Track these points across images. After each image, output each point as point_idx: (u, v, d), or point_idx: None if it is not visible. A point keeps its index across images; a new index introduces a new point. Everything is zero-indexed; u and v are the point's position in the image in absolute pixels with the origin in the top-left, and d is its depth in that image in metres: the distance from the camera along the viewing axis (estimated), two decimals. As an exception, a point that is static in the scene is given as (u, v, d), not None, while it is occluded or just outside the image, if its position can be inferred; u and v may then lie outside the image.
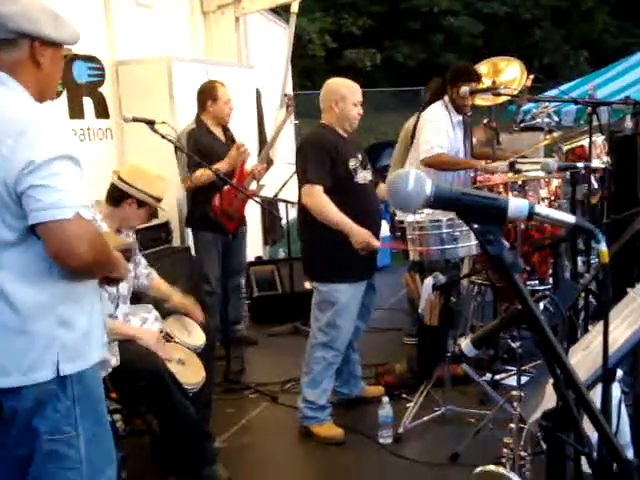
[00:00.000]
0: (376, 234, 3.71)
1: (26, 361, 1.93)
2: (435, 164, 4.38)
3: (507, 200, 1.25)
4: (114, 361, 3.15)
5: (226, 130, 5.11)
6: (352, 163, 3.71)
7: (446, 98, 4.52)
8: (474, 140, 4.81)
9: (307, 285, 5.74)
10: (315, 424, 3.85)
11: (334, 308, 3.74)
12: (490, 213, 1.24)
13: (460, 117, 4.55)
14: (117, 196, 3.27)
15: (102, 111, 5.63)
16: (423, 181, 1.23)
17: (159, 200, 3.34)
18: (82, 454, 2.03)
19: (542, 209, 1.25)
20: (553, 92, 6.80)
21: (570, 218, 1.26)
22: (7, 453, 2.00)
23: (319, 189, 3.60)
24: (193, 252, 5.39)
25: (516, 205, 1.25)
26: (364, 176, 3.78)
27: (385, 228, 6.85)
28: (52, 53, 2.04)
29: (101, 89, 5.63)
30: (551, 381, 1.41)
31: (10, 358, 1.92)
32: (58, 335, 1.96)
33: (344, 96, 3.75)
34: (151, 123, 4.00)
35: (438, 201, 1.24)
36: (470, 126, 4.73)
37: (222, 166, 4.67)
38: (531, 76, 4.10)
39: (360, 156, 3.80)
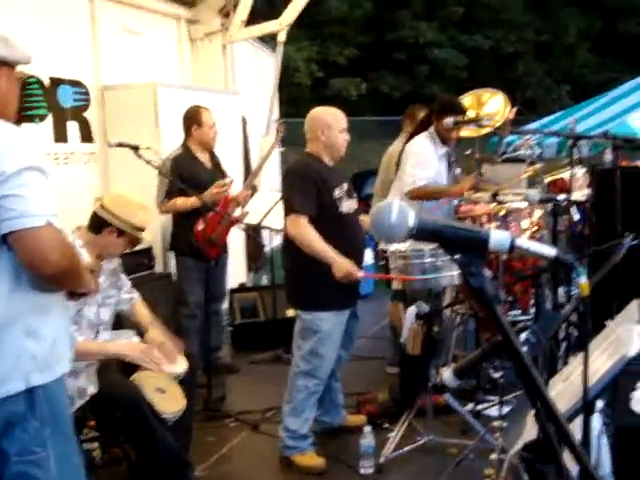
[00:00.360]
0: (359, 263, 3.72)
1: None
2: (420, 196, 4.41)
3: (489, 232, 1.26)
4: (92, 389, 3.13)
5: (212, 156, 5.12)
6: (337, 192, 3.73)
7: (432, 129, 4.55)
8: (458, 171, 4.85)
9: (290, 313, 5.72)
10: (296, 454, 3.82)
11: (317, 336, 3.74)
12: (472, 245, 1.25)
13: (445, 149, 4.59)
14: (98, 224, 3.25)
15: (87, 135, 5.62)
16: (406, 213, 1.24)
17: (141, 229, 3.31)
18: (52, 474, 2.02)
19: (523, 242, 1.26)
20: (535, 124, 6.92)
21: (550, 251, 1.28)
22: None
23: (304, 219, 3.61)
24: (175, 277, 5.36)
25: (498, 238, 1.26)
26: (349, 205, 3.79)
27: (369, 256, 6.86)
28: (7, 73, 2.10)
29: (86, 113, 5.63)
30: (532, 412, 1.41)
31: None
32: (26, 346, 1.97)
33: (329, 124, 3.78)
34: (136, 148, 4.01)
35: (421, 233, 1.25)
36: (453, 158, 4.77)
37: (198, 201, 4.63)
38: (514, 109, 4.16)
39: (345, 185, 3.82)
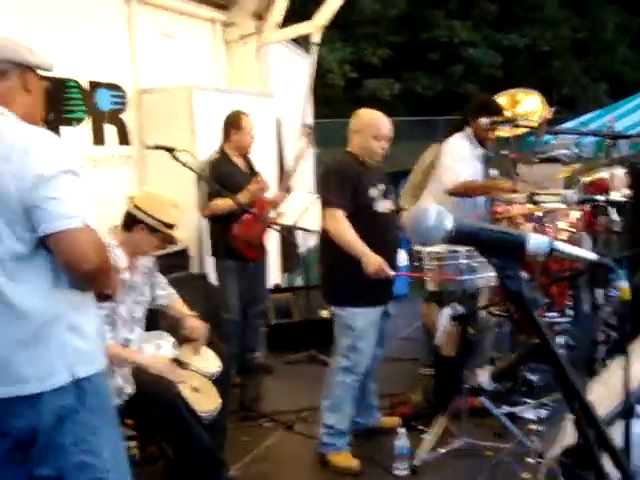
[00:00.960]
0: (392, 263, 3.71)
1: (43, 368, 2.01)
2: (462, 192, 4.37)
3: (527, 236, 1.25)
4: (129, 389, 3.16)
5: (247, 160, 5.15)
6: (372, 192, 3.74)
7: (468, 130, 4.52)
8: (495, 172, 4.80)
9: (324, 313, 5.73)
10: (332, 452, 3.83)
11: (352, 332, 3.76)
12: (510, 249, 1.24)
13: (481, 150, 4.55)
14: (129, 222, 3.29)
15: (124, 138, 5.70)
16: (444, 216, 1.24)
17: (171, 227, 3.33)
18: (107, 461, 2.10)
19: (562, 245, 1.25)
20: (572, 123, 6.82)
21: (590, 255, 1.26)
22: (25, 473, 2.05)
23: (341, 213, 3.65)
24: (210, 279, 5.40)
25: (536, 241, 1.25)
26: (384, 205, 3.79)
27: (403, 257, 6.83)
28: (36, 80, 2.19)
29: (123, 116, 5.72)
30: (570, 417, 1.39)
31: (27, 367, 2.00)
32: (70, 341, 2.05)
33: (363, 127, 3.80)
34: (172, 151, 4.04)
35: (459, 236, 1.25)
36: (489, 159, 4.73)
37: (242, 198, 4.70)
38: (552, 109, 4.11)
39: (382, 186, 3.82)
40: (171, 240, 3.40)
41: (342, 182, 3.71)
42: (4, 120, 2.04)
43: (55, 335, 2.03)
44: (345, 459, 3.82)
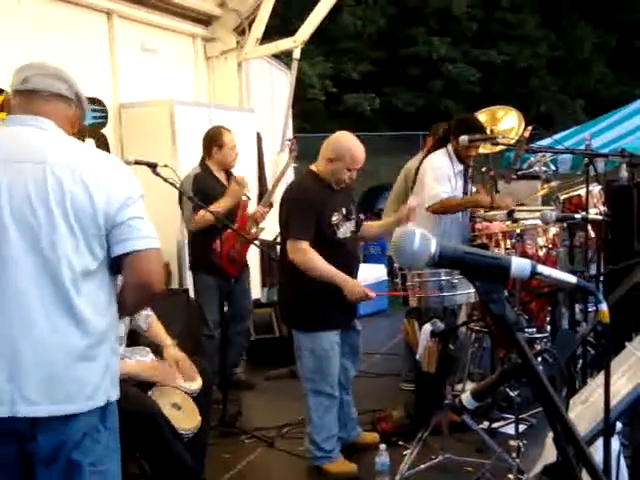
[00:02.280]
0: None
1: (88, 387, 2.03)
2: (442, 209, 4.42)
3: (510, 259, 1.27)
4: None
5: (229, 175, 5.14)
6: (335, 218, 3.72)
7: (449, 147, 4.56)
8: (472, 189, 4.86)
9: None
10: (326, 462, 3.83)
11: (315, 355, 3.75)
12: (493, 272, 1.26)
13: (461, 167, 4.59)
14: None
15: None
16: (428, 240, 1.26)
17: None
18: None
19: (544, 269, 1.27)
20: (549, 141, 6.91)
21: (571, 278, 1.28)
22: None
23: (306, 244, 3.61)
24: (192, 294, 5.38)
25: (519, 265, 1.27)
26: (345, 230, 3.78)
27: (383, 272, 6.86)
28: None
29: (104, 131, 5.70)
30: (551, 434, 1.41)
31: (76, 384, 2.02)
32: (110, 362, 2.11)
33: (345, 159, 3.69)
34: (153, 166, 4.04)
35: (443, 260, 1.26)
36: (470, 176, 4.78)
37: (225, 202, 4.68)
38: (529, 127, 4.16)
39: (344, 210, 3.79)
40: None
41: (305, 211, 3.65)
42: (70, 140, 2.16)
43: (103, 354, 2.07)
44: (341, 465, 3.83)
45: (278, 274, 3.97)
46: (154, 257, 2.10)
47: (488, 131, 4.94)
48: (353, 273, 3.82)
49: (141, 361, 3.43)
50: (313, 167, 3.85)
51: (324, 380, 3.78)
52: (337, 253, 3.71)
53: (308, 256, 3.61)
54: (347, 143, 3.77)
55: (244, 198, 4.90)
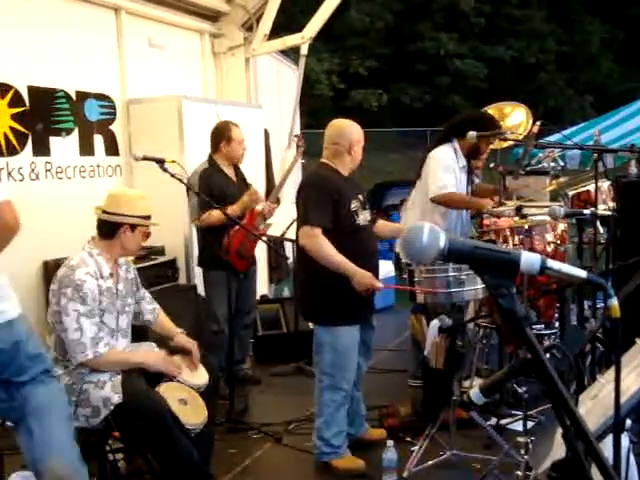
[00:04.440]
0: (375, 275, 3.71)
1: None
2: (446, 202, 4.40)
3: (520, 254, 1.26)
4: (117, 398, 3.15)
5: (237, 170, 5.14)
6: (354, 205, 3.73)
7: (455, 142, 4.55)
8: (477, 180, 4.85)
9: (312, 325, 5.73)
10: (334, 458, 3.84)
11: (335, 350, 3.75)
12: (502, 267, 1.25)
13: (465, 162, 4.58)
14: (108, 229, 3.30)
15: (112, 149, 5.70)
16: (437, 234, 1.25)
17: (148, 217, 3.36)
18: None
19: (554, 263, 1.26)
20: (557, 136, 6.88)
21: (581, 273, 1.27)
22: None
23: (318, 231, 3.61)
24: (200, 290, 5.39)
25: (528, 259, 1.26)
26: (364, 217, 3.80)
27: (390, 268, 6.84)
28: None
29: (112, 127, 5.71)
30: (560, 430, 1.40)
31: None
32: None
33: (359, 140, 3.81)
34: (161, 162, 4.03)
35: (452, 254, 1.25)
36: (473, 172, 4.77)
37: (234, 210, 4.70)
38: (538, 123, 4.14)
39: (361, 197, 3.83)
40: (149, 231, 3.41)
41: (321, 198, 3.67)
42: None
43: None
44: (350, 462, 3.84)
45: (296, 269, 3.96)
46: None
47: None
48: (375, 259, 3.84)
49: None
50: (325, 160, 3.86)
51: (342, 376, 3.78)
52: (358, 240, 3.72)
53: (319, 242, 3.60)
54: (351, 127, 3.86)
55: (260, 195, 4.92)
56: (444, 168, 4.44)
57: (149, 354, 3.43)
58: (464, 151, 4.52)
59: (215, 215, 4.65)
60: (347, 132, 3.83)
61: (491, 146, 4.98)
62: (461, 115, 4.93)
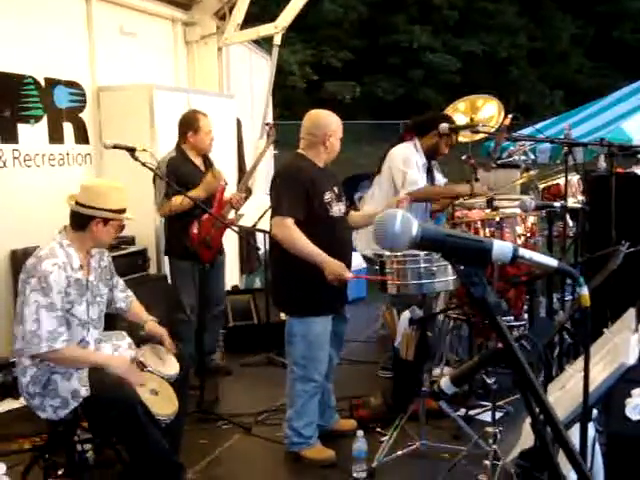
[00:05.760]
0: (348, 266, 3.72)
1: None
2: (424, 196, 4.46)
3: (492, 242, 1.26)
4: (84, 391, 3.12)
5: (206, 159, 5.10)
6: (327, 196, 3.73)
7: (416, 141, 4.64)
8: (444, 181, 4.92)
9: (282, 316, 5.72)
10: (305, 448, 3.84)
11: (307, 341, 3.75)
12: (475, 255, 1.25)
13: (425, 161, 4.67)
14: (81, 220, 3.23)
15: (82, 136, 5.62)
16: (410, 222, 1.25)
17: (122, 211, 3.30)
18: None
19: (526, 252, 1.26)
20: (529, 130, 6.94)
21: (552, 262, 1.28)
22: None
23: (290, 221, 3.61)
24: (170, 280, 5.35)
25: (500, 248, 1.27)
26: (338, 209, 3.80)
27: (361, 259, 6.85)
28: None
29: (82, 114, 5.63)
30: (528, 420, 1.41)
31: None
32: None
33: (336, 131, 3.80)
34: (132, 150, 3.98)
35: (424, 242, 1.25)
36: (432, 171, 4.84)
37: (198, 192, 4.65)
38: (510, 115, 4.17)
39: (336, 189, 3.82)
40: (123, 225, 3.36)
41: (294, 188, 3.66)
42: None
43: None
44: (320, 452, 3.84)
45: (270, 260, 3.95)
46: None
47: (468, 119, 4.96)
48: (346, 251, 3.83)
49: (117, 345, 3.41)
50: (300, 150, 3.85)
51: (314, 367, 3.78)
52: (331, 231, 3.72)
53: (291, 232, 3.60)
54: (328, 117, 3.84)
55: (222, 184, 4.86)
56: (409, 164, 4.52)
57: (113, 357, 3.33)
58: (424, 150, 4.62)
59: (178, 202, 4.61)
60: (323, 123, 3.81)
61: (462, 139, 5.02)
62: (424, 115, 5.02)
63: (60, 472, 3.18)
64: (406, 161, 4.57)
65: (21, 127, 5.02)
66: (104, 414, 3.12)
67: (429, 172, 4.76)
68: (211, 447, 4.07)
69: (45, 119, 5.23)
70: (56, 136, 5.35)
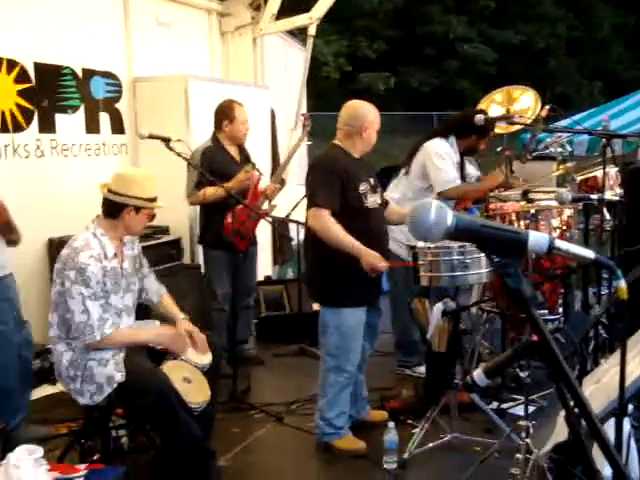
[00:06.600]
0: (383, 257, 3.70)
1: None
2: (462, 194, 4.44)
3: (527, 234, 1.25)
4: (119, 377, 3.16)
5: (242, 149, 5.12)
6: (362, 187, 3.72)
7: (452, 139, 4.61)
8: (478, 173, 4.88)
9: (315, 306, 5.73)
10: (335, 438, 3.86)
11: (340, 332, 3.75)
12: (510, 246, 1.23)
13: (458, 158, 4.62)
14: (113, 208, 3.27)
15: (118, 127, 5.68)
16: (445, 212, 1.23)
17: (154, 200, 3.34)
18: None
19: (562, 244, 1.24)
20: (566, 122, 6.83)
21: (589, 253, 1.26)
22: None
23: (326, 212, 3.61)
24: (203, 270, 5.40)
25: (536, 239, 1.25)
26: (374, 200, 3.78)
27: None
28: None
29: (118, 105, 5.69)
30: (562, 413, 1.40)
31: None
32: None
33: (372, 123, 3.78)
34: (167, 140, 4.01)
35: (459, 232, 1.24)
36: (464, 167, 4.80)
37: (229, 186, 4.67)
38: (547, 106, 4.11)
39: (372, 180, 3.81)
40: (154, 213, 3.41)
41: (329, 179, 3.65)
42: None
43: None
44: (351, 442, 3.85)
45: (305, 251, 3.96)
46: None
47: (504, 110, 4.90)
48: (382, 243, 3.82)
49: None
50: (336, 141, 3.84)
51: (347, 358, 3.78)
52: (365, 222, 3.70)
53: (327, 223, 3.60)
54: (366, 108, 3.82)
55: (256, 174, 4.87)
56: (447, 162, 4.47)
57: (155, 332, 3.43)
58: (461, 149, 4.57)
59: (209, 192, 4.64)
60: (360, 114, 3.80)
61: (498, 130, 4.96)
62: (461, 114, 4.93)
63: (95, 457, 3.23)
64: (441, 157, 4.53)
65: (59, 117, 5.09)
66: (138, 401, 3.16)
67: (461, 169, 4.71)
68: (243, 436, 4.11)
69: (82, 109, 5.31)
70: (92, 126, 5.42)
